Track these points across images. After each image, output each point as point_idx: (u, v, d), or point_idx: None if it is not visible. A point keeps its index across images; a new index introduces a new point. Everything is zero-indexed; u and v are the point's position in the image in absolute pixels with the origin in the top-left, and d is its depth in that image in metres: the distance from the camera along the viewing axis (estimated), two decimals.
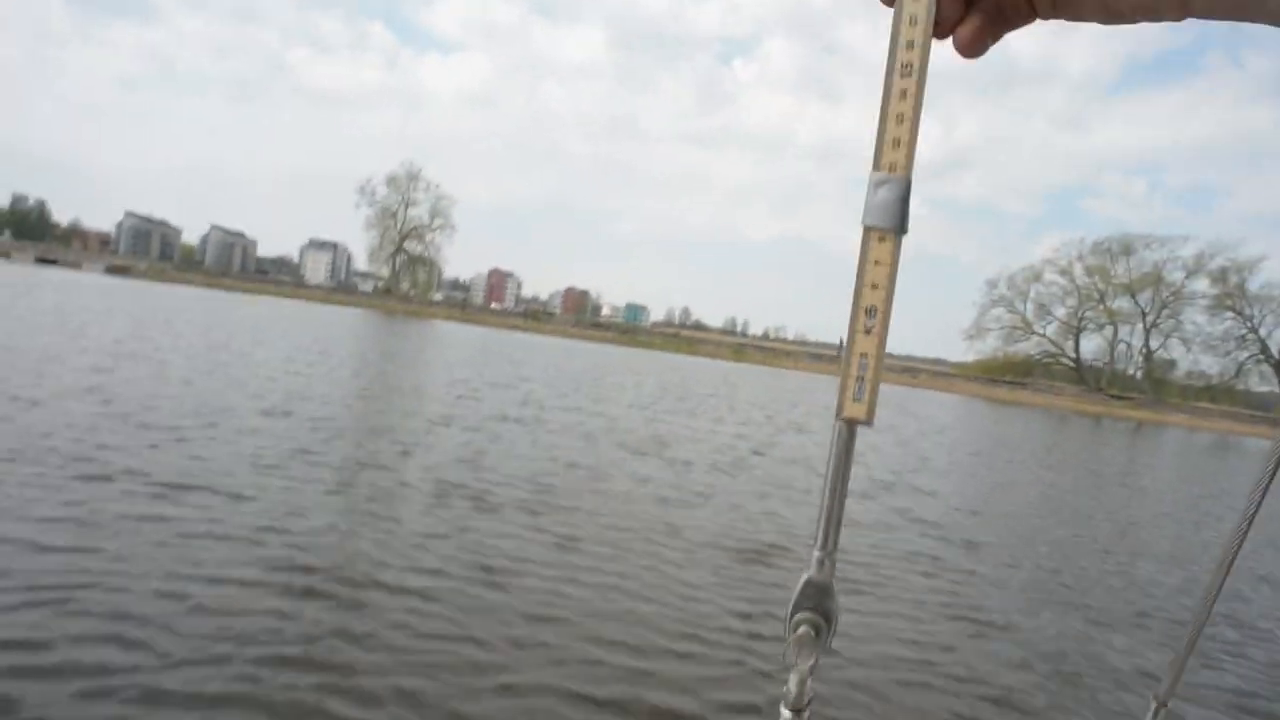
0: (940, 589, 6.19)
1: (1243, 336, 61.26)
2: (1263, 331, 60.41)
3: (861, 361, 0.61)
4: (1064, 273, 66.36)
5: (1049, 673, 4.68)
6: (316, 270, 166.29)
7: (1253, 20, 0.45)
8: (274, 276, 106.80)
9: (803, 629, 0.59)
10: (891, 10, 0.59)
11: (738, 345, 67.16)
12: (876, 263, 0.59)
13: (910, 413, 28.89)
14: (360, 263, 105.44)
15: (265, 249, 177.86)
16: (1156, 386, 62.41)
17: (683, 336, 71.16)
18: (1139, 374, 65.02)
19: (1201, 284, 61.89)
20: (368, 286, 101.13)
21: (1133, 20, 0.51)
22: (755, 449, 12.93)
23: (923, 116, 0.58)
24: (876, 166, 0.59)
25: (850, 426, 0.59)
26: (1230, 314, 61.04)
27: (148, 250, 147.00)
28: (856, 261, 0.60)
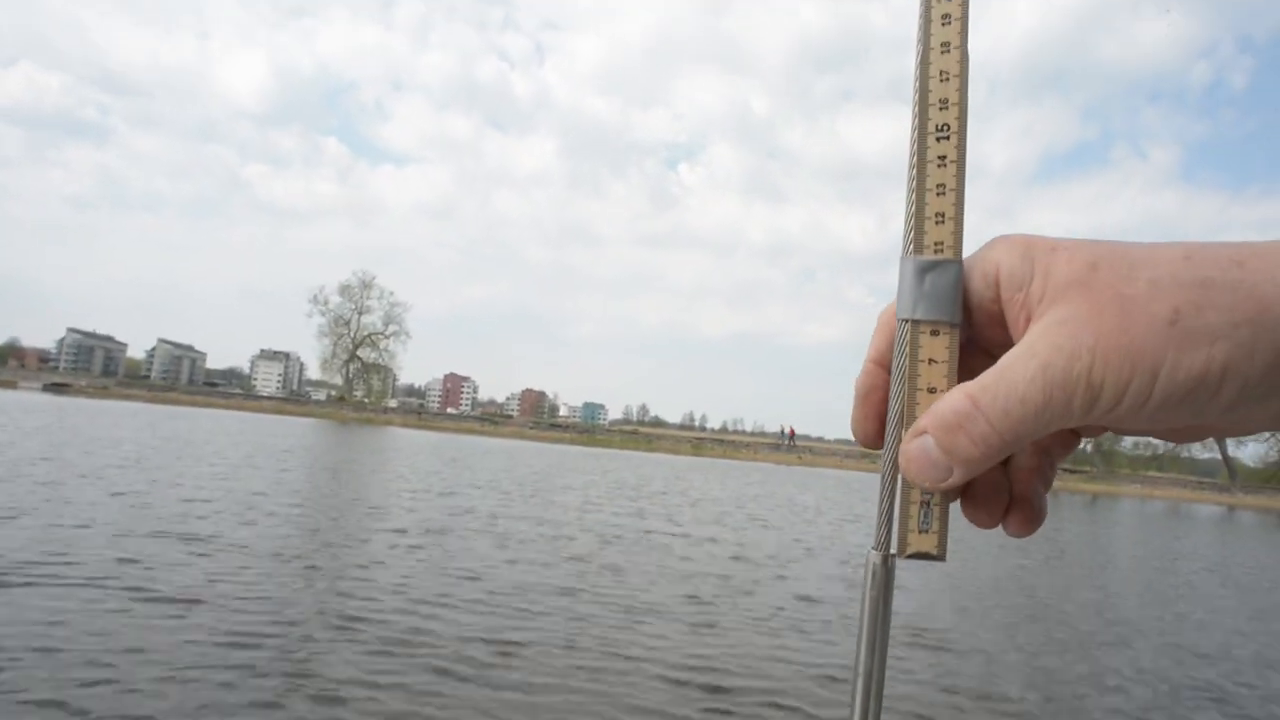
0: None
1: None
2: None
3: None
4: None
5: None
6: (268, 381, 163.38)
7: None
8: (223, 389, 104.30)
9: None
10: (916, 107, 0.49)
11: (696, 440, 67.02)
12: (931, 361, 0.48)
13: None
14: (313, 372, 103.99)
15: (215, 361, 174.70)
16: (1106, 459, 63.76)
17: (641, 433, 70.89)
18: (1088, 447, 66.43)
19: None
20: (321, 395, 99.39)
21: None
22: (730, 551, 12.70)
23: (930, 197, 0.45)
24: (917, 249, 0.49)
25: (888, 564, 0.47)
26: None
27: (90, 366, 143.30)
28: (900, 362, 0.48)
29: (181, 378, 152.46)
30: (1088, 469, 60.68)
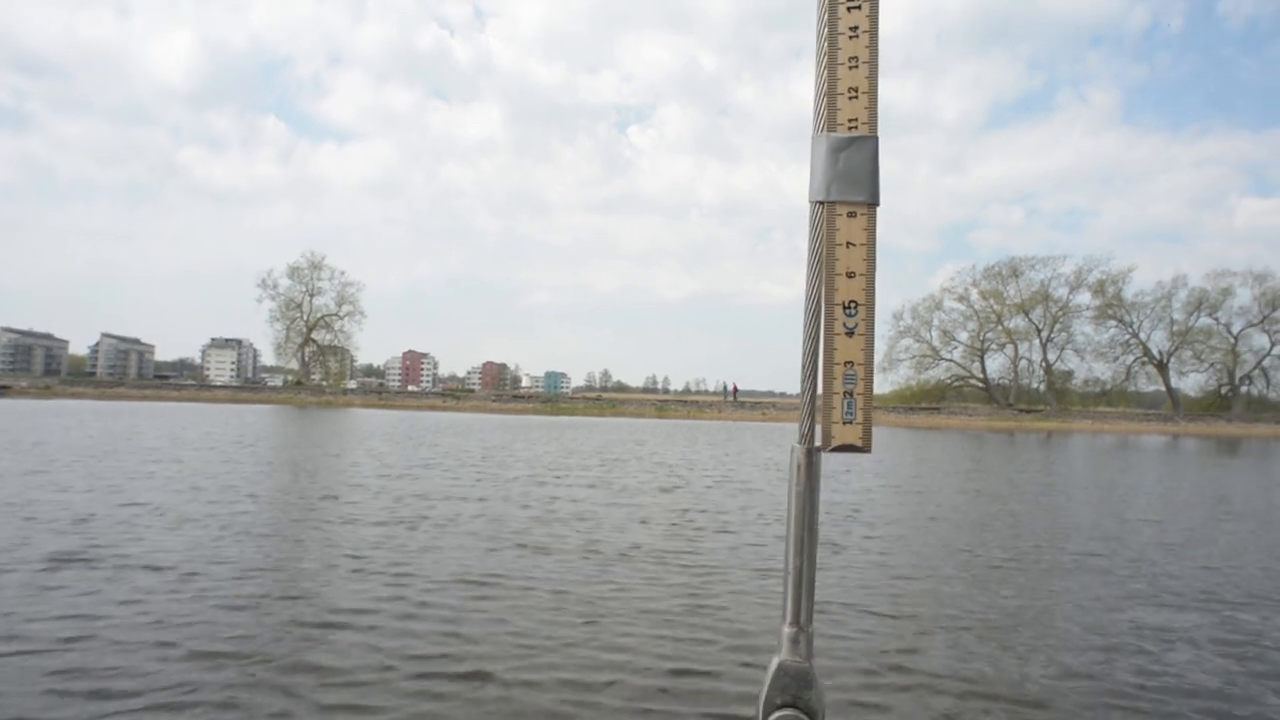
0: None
1: (1126, 342, 65.75)
2: (1142, 335, 65.06)
3: (848, 373, 0.46)
4: (962, 299, 69.75)
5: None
6: (222, 370, 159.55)
7: None
8: (175, 381, 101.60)
9: None
10: None
11: (660, 402, 67.39)
12: (849, 245, 0.45)
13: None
14: (268, 358, 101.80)
15: (165, 353, 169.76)
16: (1059, 397, 65.69)
17: (605, 399, 71.01)
18: (1041, 387, 68.35)
19: (1084, 297, 66.28)
20: (278, 381, 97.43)
21: None
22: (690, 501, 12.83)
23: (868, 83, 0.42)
24: (829, 127, 0.46)
25: (813, 458, 0.46)
26: (1113, 322, 65.46)
27: (29, 366, 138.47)
28: (814, 246, 0.46)
29: (130, 372, 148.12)
30: (1042, 408, 62.46)
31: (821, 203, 0.46)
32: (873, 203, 0.45)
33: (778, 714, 0.46)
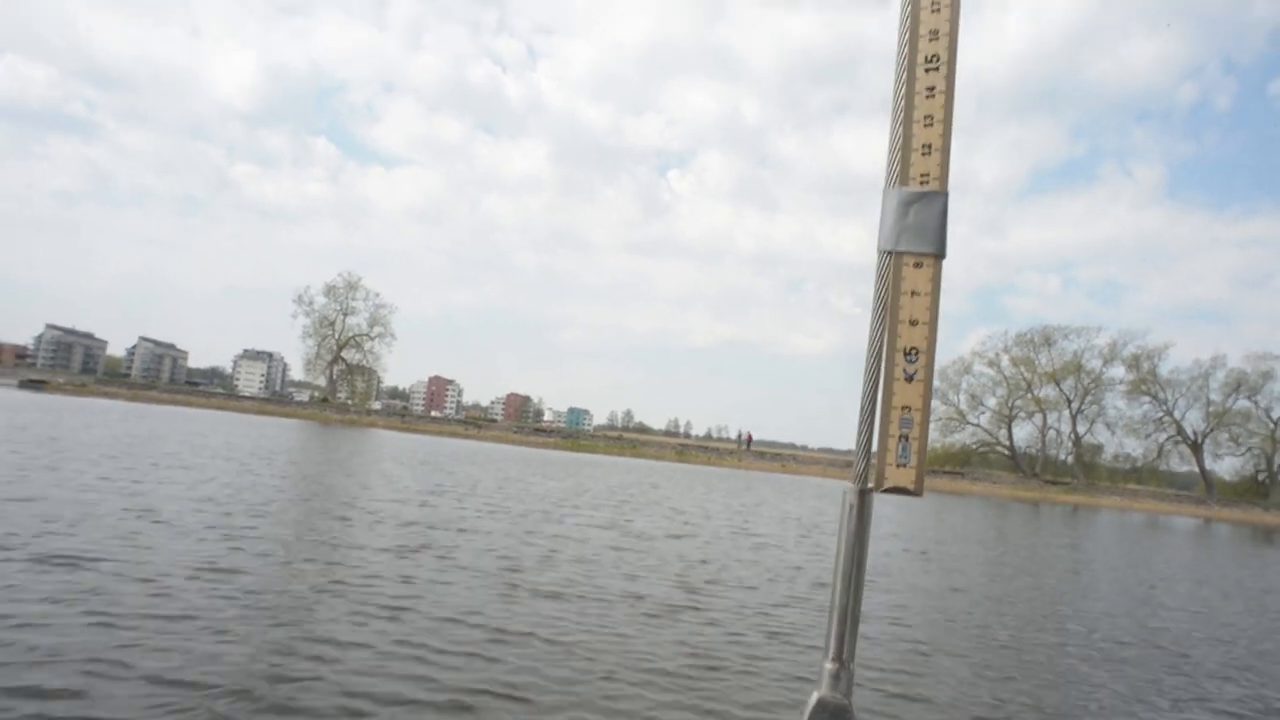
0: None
1: (1159, 419, 64.04)
2: (1176, 414, 63.37)
3: (904, 417, 0.46)
4: (992, 364, 68.72)
5: None
6: (251, 381, 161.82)
7: None
8: (204, 388, 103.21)
9: None
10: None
11: (680, 446, 66.96)
12: (914, 294, 0.45)
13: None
14: (296, 372, 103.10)
15: (198, 361, 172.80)
16: (1087, 470, 64.07)
17: (626, 439, 70.71)
18: (1069, 459, 66.80)
19: (1118, 370, 64.93)
20: (304, 396, 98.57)
21: None
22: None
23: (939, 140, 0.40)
24: (902, 181, 0.46)
25: (865, 499, 0.43)
26: (1147, 398, 63.92)
27: (69, 363, 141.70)
28: (880, 294, 0.45)
29: (162, 376, 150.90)
30: (1069, 480, 60.98)
31: (890, 253, 0.46)
32: (939, 255, 0.45)
33: None
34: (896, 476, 0.42)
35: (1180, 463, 64.66)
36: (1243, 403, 62.47)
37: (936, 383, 68.09)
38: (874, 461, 0.44)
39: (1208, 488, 61.49)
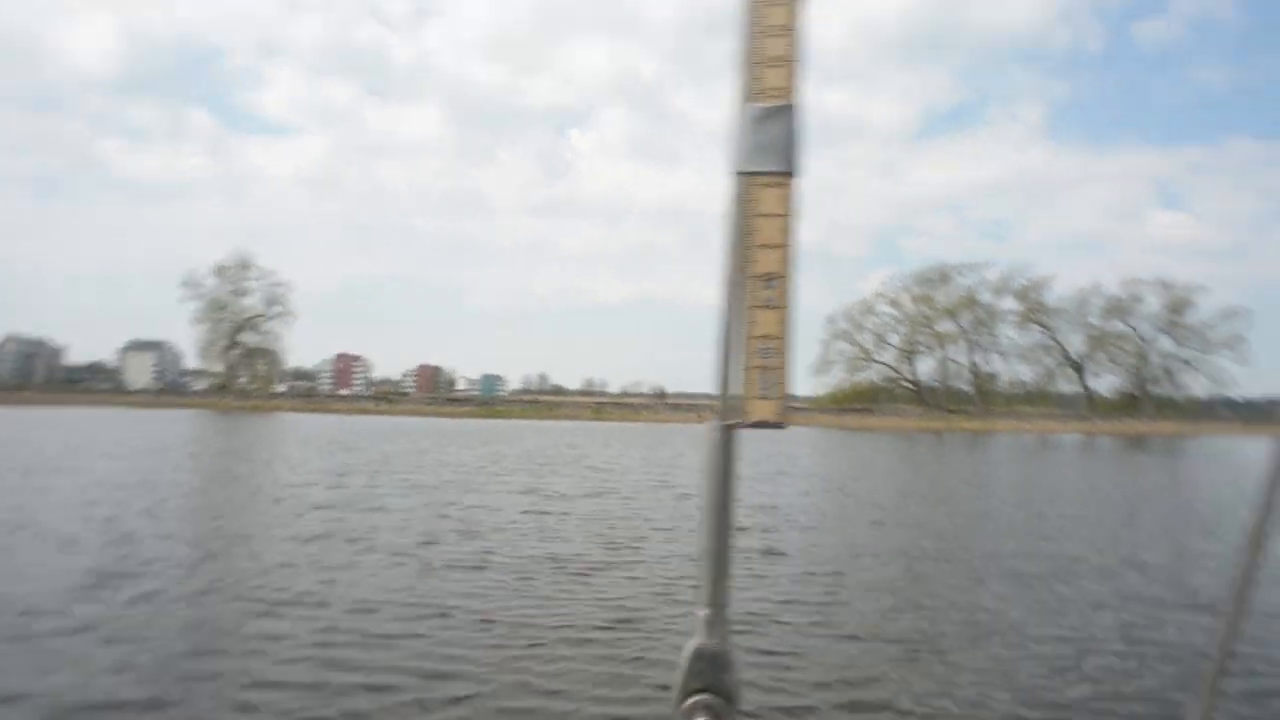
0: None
1: (1047, 346, 68.45)
2: (1061, 339, 67.86)
3: (764, 347, 0.43)
4: (894, 303, 71.30)
5: None
6: (140, 373, 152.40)
7: None
8: (88, 384, 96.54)
9: (699, 717, 0.42)
10: None
11: (596, 405, 67.10)
12: (766, 215, 0.43)
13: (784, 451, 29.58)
14: (191, 360, 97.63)
15: (78, 356, 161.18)
16: (985, 398, 67.76)
17: (542, 402, 70.34)
18: (969, 388, 70.43)
19: (1009, 303, 68.65)
20: (202, 385, 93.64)
21: None
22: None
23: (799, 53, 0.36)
24: (751, 97, 0.43)
25: (729, 435, 0.43)
26: (1035, 326, 68.04)
27: None
28: (732, 217, 0.43)
29: (36, 376, 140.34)
30: (969, 408, 64.36)
31: (741, 173, 0.45)
32: (791, 173, 0.44)
33: (694, 698, 0.44)
34: (760, 410, 0.42)
35: (1067, 384, 69.36)
36: (1118, 325, 67.31)
37: (843, 324, 70.38)
38: (739, 395, 0.38)
39: (1090, 405, 66.15)
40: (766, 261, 0.43)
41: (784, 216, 0.43)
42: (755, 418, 0.43)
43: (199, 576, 7.42)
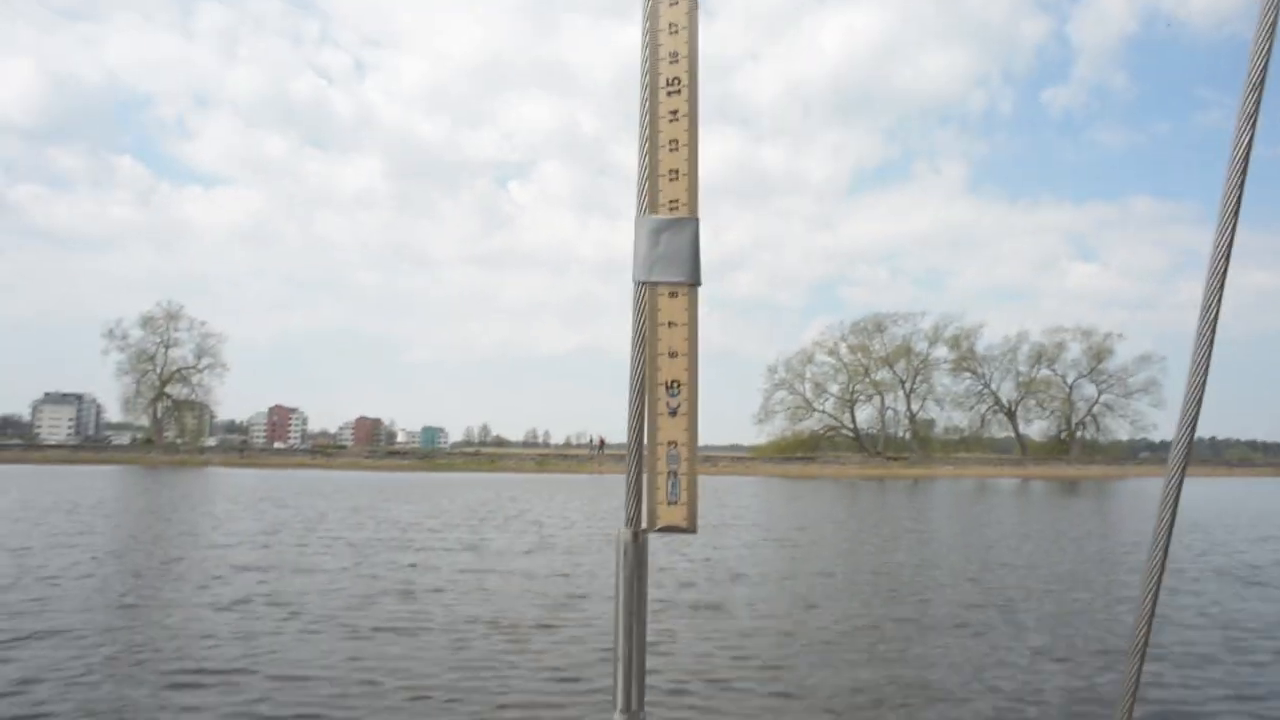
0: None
1: (980, 392, 70.58)
2: (993, 386, 70.08)
3: (670, 452, 0.47)
4: (831, 353, 72.76)
5: None
6: (56, 428, 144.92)
7: None
8: None
9: None
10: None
11: (540, 457, 66.23)
12: (671, 324, 0.45)
13: (724, 503, 29.48)
14: (114, 413, 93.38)
15: None
16: (923, 444, 69.20)
17: (483, 454, 69.14)
18: (907, 435, 71.86)
19: (942, 351, 70.77)
20: (125, 439, 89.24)
21: None
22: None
23: (700, 169, 0.38)
24: (651, 208, 0.46)
25: (639, 540, 0.44)
26: (968, 374, 70.16)
27: None
28: (639, 326, 0.44)
29: None
30: (908, 455, 65.57)
31: (644, 283, 0.47)
32: (694, 283, 0.45)
33: None
34: (668, 515, 0.42)
35: (1000, 429, 71.48)
36: (1045, 372, 69.92)
37: (783, 373, 71.35)
38: (644, 502, 0.40)
39: (1023, 450, 68.11)
40: (670, 369, 0.44)
41: (686, 325, 0.44)
42: (664, 523, 0.42)
43: (107, 647, 6.88)
